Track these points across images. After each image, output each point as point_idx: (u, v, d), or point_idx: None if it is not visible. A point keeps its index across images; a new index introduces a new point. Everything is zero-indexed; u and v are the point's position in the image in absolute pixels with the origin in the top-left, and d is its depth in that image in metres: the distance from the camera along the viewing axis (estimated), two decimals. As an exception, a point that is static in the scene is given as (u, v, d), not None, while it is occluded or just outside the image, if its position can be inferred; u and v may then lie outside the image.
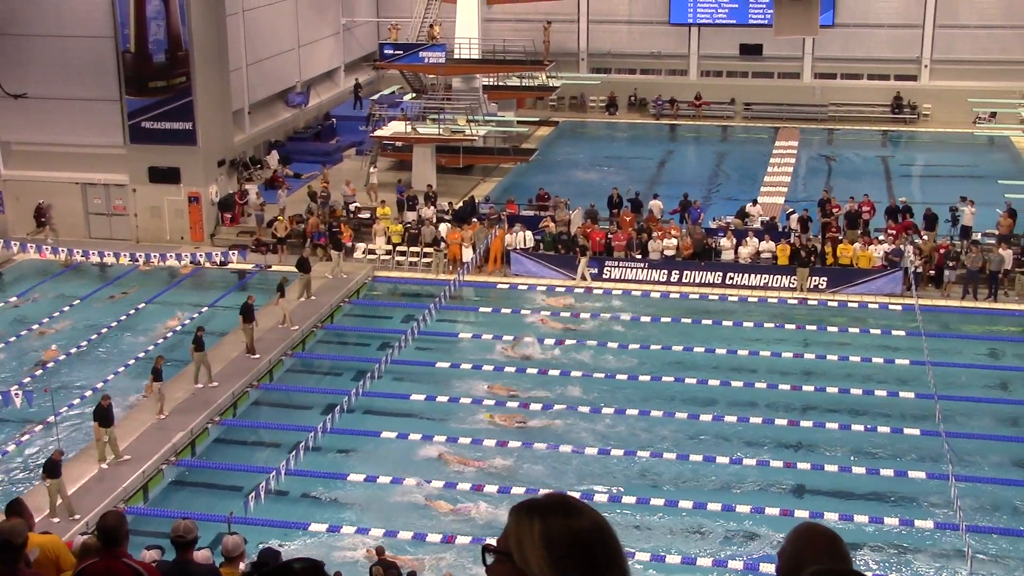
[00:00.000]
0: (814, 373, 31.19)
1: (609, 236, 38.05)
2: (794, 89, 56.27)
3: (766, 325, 34.14)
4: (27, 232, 40.59)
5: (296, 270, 35.40)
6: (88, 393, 29.87)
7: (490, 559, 3.11)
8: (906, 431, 27.73)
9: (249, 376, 30.55)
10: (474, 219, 39.23)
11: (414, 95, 49.67)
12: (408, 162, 45.27)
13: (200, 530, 11.12)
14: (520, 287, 37.03)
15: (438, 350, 32.87)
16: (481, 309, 35.73)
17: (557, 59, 52.94)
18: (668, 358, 32.05)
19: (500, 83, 50.10)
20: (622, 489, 25.53)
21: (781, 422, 28.26)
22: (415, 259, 38.63)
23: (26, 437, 27.86)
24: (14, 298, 36.76)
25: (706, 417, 28.55)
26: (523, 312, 35.17)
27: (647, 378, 30.62)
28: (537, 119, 54.09)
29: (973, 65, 53.75)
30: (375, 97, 53.16)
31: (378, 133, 45.64)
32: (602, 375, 30.89)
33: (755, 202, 41.02)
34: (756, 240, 37.10)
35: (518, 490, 25.23)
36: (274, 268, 37.95)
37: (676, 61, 57.90)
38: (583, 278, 37.01)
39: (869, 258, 36.05)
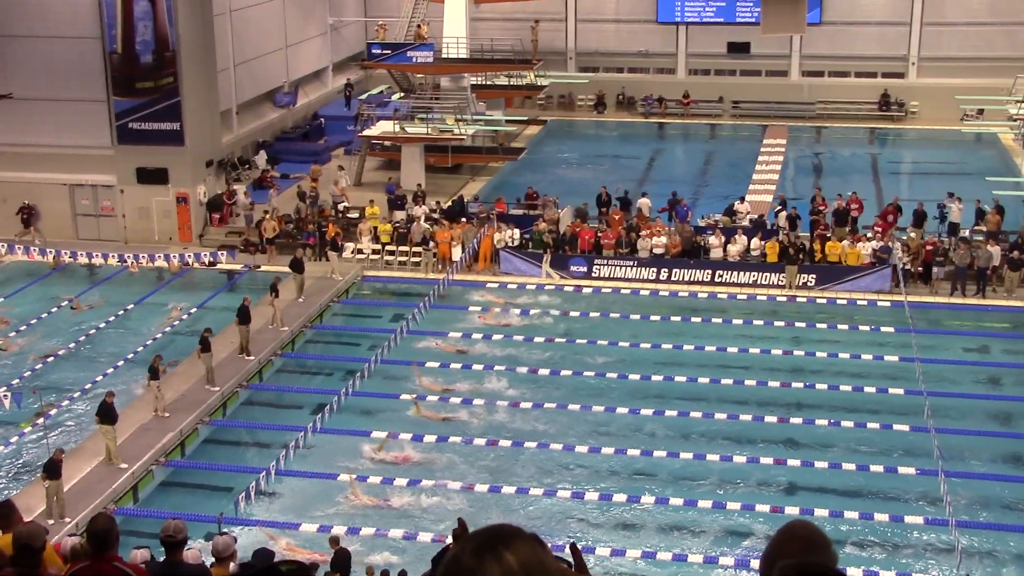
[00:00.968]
0: (803, 370, 31.25)
1: (598, 234, 38.07)
2: (782, 87, 56.34)
3: (755, 322, 34.18)
4: (15, 234, 40.43)
5: (289, 270, 35.34)
6: (76, 394, 29.83)
7: None
8: (895, 427, 27.81)
9: (239, 376, 30.51)
10: (463, 218, 39.23)
11: (402, 95, 49.63)
12: (397, 162, 45.23)
13: (190, 530, 11.10)
14: (510, 286, 37.02)
15: (427, 350, 32.86)
16: (471, 308, 35.63)
17: (545, 58, 52.94)
18: (657, 356, 32.07)
19: (488, 82, 50.08)
20: (612, 487, 25.54)
21: (771, 419, 28.30)
22: (404, 258, 38.61)
23: (15, 439, 27.77)
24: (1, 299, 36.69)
25: (696, 414, 28.59)
26: (513, 311, 35.18)
27: (636, 376, 30.63)
28: (525, 118, 54.11)
29: (960, 62, 53.86)
30: (363, 97, 53.09)
31: (366, 133, 45.59)
32: (591, 373, 30.90)
33: (743, 200, 41.07)
34: (745, 238, 37.15)
35: (508, 489, 25.28)
36: (263, 268, 37.89)
37: (664, 60, 57.94)
38: (548, 275, 37.14)
39: (857, 255, 36.12)
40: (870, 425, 27.91)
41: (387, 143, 45.82)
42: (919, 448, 26.72)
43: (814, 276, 36.10)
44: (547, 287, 36.85)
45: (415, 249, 38.35)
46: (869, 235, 37.18)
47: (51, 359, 32.10)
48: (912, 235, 36.97)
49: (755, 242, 36.96)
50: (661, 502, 24.88)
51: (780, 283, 36.18)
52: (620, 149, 53.36)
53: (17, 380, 30.44)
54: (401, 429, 28.07)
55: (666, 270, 36.86)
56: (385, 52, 46.53)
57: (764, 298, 35.93)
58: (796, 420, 28.36)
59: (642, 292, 36.41)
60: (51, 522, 22.86)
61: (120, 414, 26.58)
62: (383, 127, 45.71)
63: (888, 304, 34.94)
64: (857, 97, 55.61)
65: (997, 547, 23.36)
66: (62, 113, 40.27)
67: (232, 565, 12.78)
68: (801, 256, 36.37)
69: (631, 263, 37.22)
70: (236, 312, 31.76)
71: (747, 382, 30.23)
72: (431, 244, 38.03)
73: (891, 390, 29.66)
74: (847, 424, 27.97)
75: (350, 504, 25.03)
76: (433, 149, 45.04)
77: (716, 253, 37.16)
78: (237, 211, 41.25)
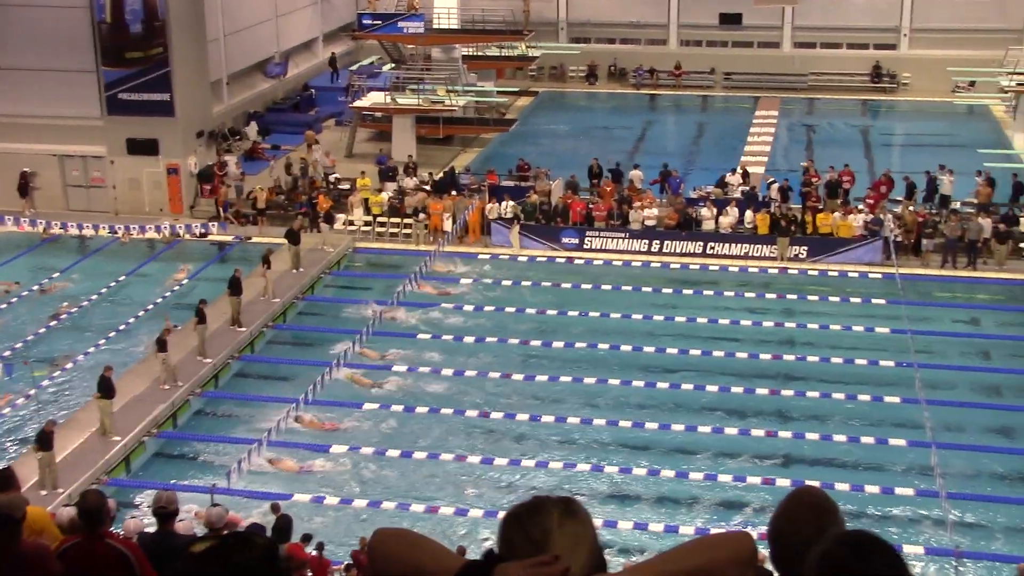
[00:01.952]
0: (795, 342, 31.31)
1: (590, 206, 38.03)
2: (774, 59, 56.19)
3: (747, 294, 34.20)
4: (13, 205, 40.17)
5: (285, 240, 35.24)
6: (69, 365, 29.81)
7: None
8: (887, 399, 27.89)
9: (231, 348, 30.48)
10: (454, 190, 39.14)
11: (393, 65, 49.42)
12: (388, 133, 45.07)
13: (181, 502, 11.12)
14: (501, 257, 36.98)
15: (418, 321, 32.86)
16: (462, 281, 35.61)
17: (537, 29, 52.73)
18: (649, 328, 32.09)
19: (480, 53, 49.87)
20: (604, 458, 25.61)
21: (763, 391, 28.36)
22: (396, 230, 38.53)
23: (7, 410, 27.75)
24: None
25: (687, 386, 28.65)
26: (504, 283, 35.19)
27: (628, 348, 30.67)
28: (517, 89, 53.93)
29: (952, 34, 53.69)
30: (354, 68, 52.84)
31: (357, 104, 45.40)
32: (583, 344, 30.94)
33: (735, 171, 41.02)
34: (736, 210, 37.13)
35: (501, 461, 25.35)
36: (254, 240, 37.79)
37: (656, 31, 57.73)
38: (516, 246, 37.24)
39: (849, 227, 36.12)
40: (861, 397, 27.98)
41: (378, 114, 45.64)
42: (910, 420, 26.80)
43: (806, 248, 36.11)
44: (538, 259, 36.82)
45: (407, 221, 38.25)
46: (860, 207, 37.17)
47: (43, 330, 32.03)
48: (909, 208, 36.87)
49: (747, 214, 36.95)
50: (653, 473, 24.96)
51: (772, 255, 36.18)
52: (612, 120, 53.22)
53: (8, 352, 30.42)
54: (392, 401, 28.15)
55: (658, 242, 36.85)
56: (376, 23, 46.34)
57: (756, 270, 35.93)
58: (787, 392, 28.43)
59: (634, 264, 36.40)
60: (43, 493, 22.93)
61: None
62: (374, 98, 45.53)
63: (879, 276, 34.99)
64: (849, 69, 55.48)
65: (987, 519, 23.47)
66: (51, 83, 40.00)
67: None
68: (793, 228, 36.37)
69: (623, 235, 37.19)
70: (227, 283, 31.71)
71: (739, 354, 30.26)
72: (421, 216, 37.92)
73: (882, 362, 29.73)
74: (838, 396, 28.03)
75: (339, 474, 25.11)
76: (424, 120, 44.89)
77: (708, 225, 37.15)
78: (228, 182, 41.09)
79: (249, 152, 45.11)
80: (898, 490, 24.18)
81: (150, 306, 33.64)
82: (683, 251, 36.68)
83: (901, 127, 53.28)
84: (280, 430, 26.44)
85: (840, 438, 26.20)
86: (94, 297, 34.22)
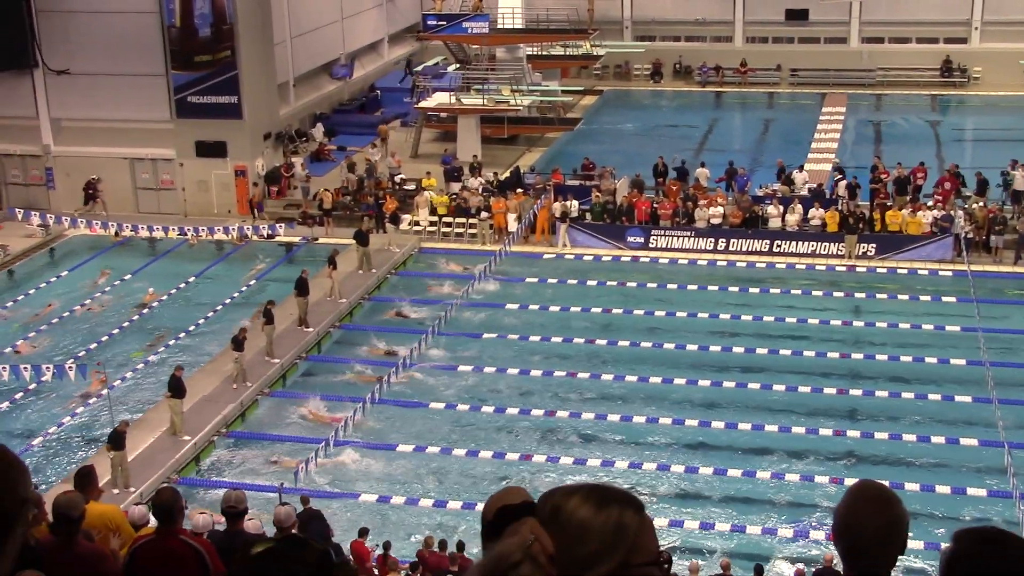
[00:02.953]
0: (863, 340, 30.97)
1: (655, 205, 37.89)
2: (841, 54, 55.60)
3: (814, 293, 33.91)
4: (76, 208, 40.94)
5: (354, 241, 35.48)
6: (140, 365, 30.27)
7: None
8: (957, 398, 27.51)
9: (298, 348, 30.76)
10: (519, 189, 39.17)
11: (458, 66, 49.56)
12: (453, 133, 45.23)
13: (250, 501, 11.25)
14: (567, 256, 36.96)
15: (484, 320, 32.93)
16: (527, 280, 35.65)
17: (601, 27, 52.58)
18: (715, 327, 31.91)
19: (544, 52, 49.85)
20: (671, 458, 25.51)
21: (830, 390, 28.10)
22: (461, 230, 38.64)
23: (80, 409, 28.24)
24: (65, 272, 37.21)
25: (754, 385, 28.47)
26: (570, 282, 35.16)
27: (694, 347, 30.54)
28: (581, 88, 53.87)
29: (1024, 26, 52.89)
30: (419, 68, 53.06)
31: (422, 104, 45.60)
32: (649, 344, 30.84)
33: (801, 168, 40.64)
34: (802, 207, 36.80)
35: (567, 460, 25.32)
36: (321, 240, 38.09)
37: (721, 28, 57.36)
38: (564, 245, 37.19)
39: (918, 224, 35.66)
40: (931, 396, 27.62)
41: (443, 115, 45.82)
42: (981, 419, 26.40)
43: (874, 245, 35.70)
44: (604, 258, 36.75)
45: (471, 221, 38.33)
46: (930, 204, 36.68)
47: (116, 331, 32.54)
48: (980, 204, 36.29)
49: (814, 211, 36.61)
50: (719, 473, 24.81)
51: (840, 253, 35.82)
52: (677, 118, 52.98)
53: (83, 352, 30.91)
54: (459, 401, 28.26)
55: (724, 240, 36.65)
56: (441, 23, 46.45)
57: (823, 268, 35.61)
58: (856, 391, 28.14)
59: (700, 262, 36.21)
60: (116, 491, 23.27)
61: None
62: (439, 99, 45.70)
63: (950, 273, 34.52)
64: (918, 63, 54.72)
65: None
66: (121, 87, 40.69)
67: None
68: (861, 226, 35.97)
69: (688, 233, 37.02)
70: (295, 284, 32.00)
71: (806, 353, 30.01)
72: (484, 215, 37.98)
73: (953, 360, 29.33)
74: (908, 395, 27.69)
75: (410, 473, 25.24)
76: (489, 120, 44.99)
77: (775, 223, 36.87)
78: (295, 183, 41.46)
79: (315, 153, 45.48)
80: (970, 490, 23.83)
81: (219, 307, 34.02)
82: (749, 249, 36.43)
83: (972, 122, 52.48)
84: (346, 430, 26.63)
85: (910, 437, 25.88)
86: (164, 298, 34.69)
